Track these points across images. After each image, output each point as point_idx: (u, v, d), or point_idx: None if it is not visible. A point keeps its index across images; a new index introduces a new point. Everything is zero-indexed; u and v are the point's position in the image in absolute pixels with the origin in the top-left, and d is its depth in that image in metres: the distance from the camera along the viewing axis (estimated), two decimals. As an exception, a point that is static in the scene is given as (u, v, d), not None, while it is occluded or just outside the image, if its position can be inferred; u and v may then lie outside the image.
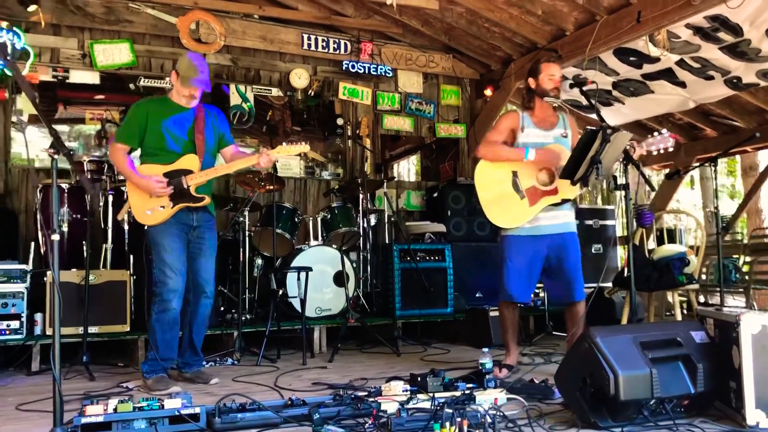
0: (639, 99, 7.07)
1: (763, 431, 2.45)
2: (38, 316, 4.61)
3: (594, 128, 3.30)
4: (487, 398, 3.00)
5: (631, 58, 6.28)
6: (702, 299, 6.78)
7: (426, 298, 5.60)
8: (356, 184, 5.91)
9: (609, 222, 7.67)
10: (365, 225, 6.09)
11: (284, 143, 3.92)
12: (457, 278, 6.24)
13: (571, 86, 3.80)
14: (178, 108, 3.94)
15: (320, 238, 5.73)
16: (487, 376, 3.22)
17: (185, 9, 6.47)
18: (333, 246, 5.49)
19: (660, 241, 5.71)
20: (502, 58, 7.34)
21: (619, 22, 5.78)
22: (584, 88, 3.78)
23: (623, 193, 3.32)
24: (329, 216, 5.77)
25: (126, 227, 5.17)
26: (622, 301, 5.31)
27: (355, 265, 5.66)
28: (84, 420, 2.56)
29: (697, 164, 6.24)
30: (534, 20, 6.43)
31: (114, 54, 6.26)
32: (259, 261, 5.75)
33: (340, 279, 5.44)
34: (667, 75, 6.43)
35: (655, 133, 3.62)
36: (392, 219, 5.96)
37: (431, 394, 2.97)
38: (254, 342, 4.91)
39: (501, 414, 2.75)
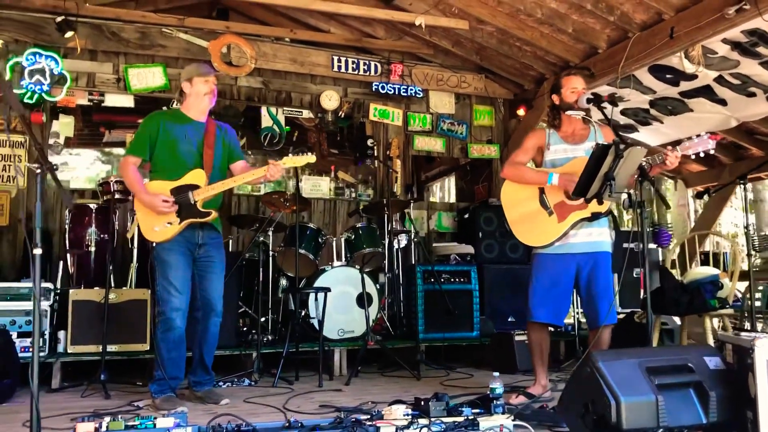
0: (678, 118, 6.84)
1: (781, 467, 2.26)
2: (61, 334, 4.68)
3: (605, 143, 3.17)
4: (492, 424, 2.87)
5: (667, 76, 6.09)
6: (747, 326, 6.45)
7: (451, 321, 5.48)
8: (382, 204, 5.85)
9: (650, 245, 7.41)
10: (395, 246, 6.03)
11: (290, 154, 3.91)
12: (489, 302, 6.10)
13: (588, 101, 3.66)
14: (190, 121, 3.96)
15: (344, 258, 5.67)
16: (495, 402, 3.08)
17: (217, 33, 6.59)
18: (356, 267, 5.42)
19: (705, 265, 5.48)
20: (534, 77, 7.23)
21: (652, 38, 5.64)
22: (601, 104, 3.62)
23: (638, 210, 3.15)
24: (353, 236, 5.72)
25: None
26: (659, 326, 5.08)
27: (378, 286, 5.58)
28: (74, 438, 2.55)
29: (725, 183, 5.95)
30: (566, 38, 6.32)
31: (148, 78, 6.40)
32: (283, 281, 5.74)
33: (363, 300, 5.37)
34: (706, 92, 6.21)
35: (694, 136, 3.46)
36: (414, 240, 5.86)
37: (432, 419, 2.86)
38: (275, 363, 4.86)
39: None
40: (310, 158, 3.89)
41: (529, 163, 4.07)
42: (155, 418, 2.71)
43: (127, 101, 6.44)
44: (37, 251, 2.11)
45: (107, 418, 2.67)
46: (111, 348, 4.57)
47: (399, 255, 6.16)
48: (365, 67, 7.12)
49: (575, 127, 3.88)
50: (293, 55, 6.89)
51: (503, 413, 3.05)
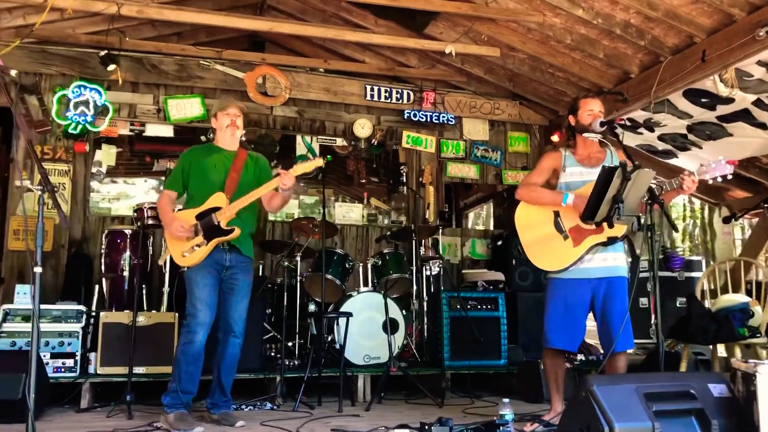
0: (718, 143, 6.66)
1: (784, 501, 2.16)
2: (92, 355, 4.82)
3: (611, 166, 3.13)
4: (496, 452, 2.83)
5: (703, 100, 5.96)
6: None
7: (477, 348, 5.42)
8: (410, 230, 5.87)
9: (695, 274, 7.20)
10: (427, 272, 6.02)
11: (299, 161, 4.00)
12: (524, 330, 6.02)
13: (602, 125, 3.62)
14: (221, 151, 4.17)
15: (370, 284, 5.69)
16: (501, 428, 3.03)
17: (253, 65, 6.79)
18: (381, 292, 5.44)
19: (749, 295, 5.29)
20: (569, 103, 7.08)
21: (684, 62, 5.55)
22: (614, 129, 3.56)
23: (647, 234, 3.09)
24: (380, 262, 5.75)
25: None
26: (690, 355, 4.91)
27: (405, 312, 5.57)
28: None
29: (749, 208, 5.74)
30: (598, 64, 6.28)
31: (186, 108, 6.62)
32: (311, 306, 5.78)
33: (390, 326, 5.36)
34: (745, 116, 6.04)
35: (711, 162, 3.39)
36: (439, 266, 5.84)
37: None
38: (306, 389, 4.87)
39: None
40: (319, 162, 4.00)
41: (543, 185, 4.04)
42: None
43: (166, 131, 6.66)
44: (38, 269, 2.21)
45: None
46: (139, 370, 4.69)
47: (430, 282, 6.13)
48: (398, 95, 7.20)
49: (591, 150, 3.84)
50: (327, 84, 7.03)
51: (509, 440, 3.00)
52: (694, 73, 5.47)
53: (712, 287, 4.97)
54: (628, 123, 6.82)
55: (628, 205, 3.11)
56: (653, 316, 3.55)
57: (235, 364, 4.09)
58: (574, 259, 3.61)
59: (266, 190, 4.05)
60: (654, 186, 3.17)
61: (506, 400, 3.31)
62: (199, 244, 3.94)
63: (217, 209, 3.97)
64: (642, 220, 3.14)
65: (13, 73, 5.85)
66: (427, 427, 3.00)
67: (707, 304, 4.68)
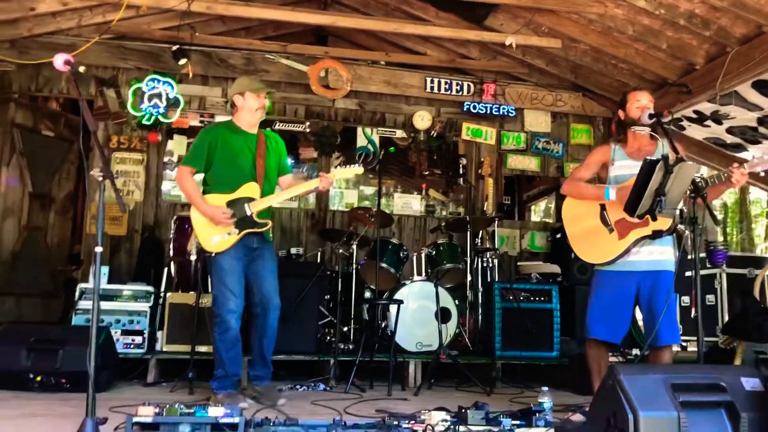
0: (791, 136, 6.45)
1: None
2: (159, 334, 5.13)
3: (653, 159, 3.12)
4: (529, 436, 2.90)
5: (774, 91, 5.78)
6: None
7: (529, 339, 5.44)
8: (464, 221, 5.94)
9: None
10: (483, 264, 6.08)
11: (339, 166, 4.12)
12: (580, 323, 5.97)
13: (650, 117, 3.58)
14: (243, 133, 4.16)
15: (424, 273, 5.80)
16: (537, 415, 3.10)
17: (316, 58, 6.97)
18: (434, 282, 5.53)
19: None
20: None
21: (752, 52, 5.40)
22: (663, 121, 3.51)
23: (690, 228, 3.06)
24: (434, 252, 5.84)
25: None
26: (749, 353, 4.80)
27: (458, 302, 5.65)
28: (135, 419, 2.84)
29: None
30: (662, 55, 6.16)
31: (252, 100, 6.86)
32: (368, 294, 5.94)
33: (443, 315, 5.46)
34: (819, 108, 5.83)
35: (764, 154, 3.32)
36: (492, 258, 5.87)
37: (469, 426, 2.93)
38: (361, 372, 4.98)
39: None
40: (358, 170, 4.09)
41: (592, 179, 4.03)
42: (209, 407, 2.96)
43: (234, 122, 6.93)
44: (98, 249, 2.43)
45: (168, 405, 2.95)
46: (201, 348, 4.94)
47: (487, 273, 6.18)
48: (458, 87, 7.25)
49: (641, 143, 3.79)
50: (387, 77, 7.16)
51: (545, 427, 3.06)
52: (762, 63, 5.31)
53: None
54: (694, 115, 6.66)
55: (671, 199, 3.09)
56: (693, 311, 3.49)
57: (275, 335, 4.19)
58: (620, 252, 3.59)
59: (303, 190, 4.14)
60: (698, 179, 3.14)
61: (545, 388, 3.36)
62: (230, 233, 3.99)
63: (250, 200, 4.04)
64: (685, 214, 3.12)
65: (81, 69, 6.22)
66: (463, 410, 3.09)
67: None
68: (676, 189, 3.10)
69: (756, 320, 4.03)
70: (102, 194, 2.46)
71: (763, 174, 3.34)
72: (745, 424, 2.34)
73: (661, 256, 3.60)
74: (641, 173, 3.16)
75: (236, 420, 2.91)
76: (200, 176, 4.19)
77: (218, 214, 3.95)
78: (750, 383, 2.45)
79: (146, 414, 2.87)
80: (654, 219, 3.25)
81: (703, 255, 6.89)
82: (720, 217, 21.90)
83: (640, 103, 3.75)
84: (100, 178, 2.43)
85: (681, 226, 3.35)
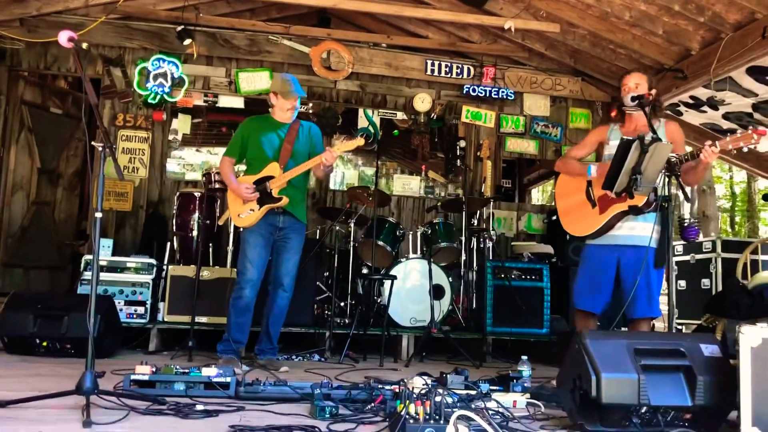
0: (786, 122, 6.52)
1: (758, 452, 2.29)
2: (161, 305, 5.31)
3: (629, 138, 3.24)
4: (506, 400, 3.05)
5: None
6: None
7: (520, 317, 5.59)
8: (460, 201, 6.07)
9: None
10: (480, 244, 6.21)
11: (342, 140, 4.32)
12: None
13: (632, 99, 3.70)
14: (276, 123, 4.53)
15: (419, 252, 5.95)
16: (515, 381, 3.25)
17: (319, 40, 7.09)
18: (431, 260, 5.67)
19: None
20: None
21: (745, 39, 5.48)
22: (644, 105, 3.63)
23: (665, 205, 3.19)
24: (430, 231, 5.98)
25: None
26: (730, 331, 4.93)
27: (451, 280, 5.80)
28: (133, 377, 3.02)
29: None
30: (659, 40, 6.25)
31: (255, 81, 7.02)
32: (365, 270, 6.09)
33: (437, 292, 5.61)
34: (812, 95, 5.91)
35: (739, 130, 3.45)
36: (485, 236, 6.00)
37: (448, 390, 3.08)
38: (356, 346, 5.19)
39: (504, 411, 2.80)
40: (360, 141, 4.29)
41: (588, 157, 4.19)
42: (203, 368, 3.13)
43: (237, 102, 7.09)
44: (98, 215, 2.58)
45: (163, 365, 3.13)
46: (201, 319, 5.13)
47: (482, 253, 6.31)
48: (458, 71, 7.35)
49: (638, 124, 3.90)
50: (388, 59, 7.27)
51: (521, 392, 3.21)
52: (754, 49, 5.39)
53: None
54: (690, 101, 6.75)
55: (647, 177, 3.23)
56: (665, 285, 3.61)
57: (283, 315, 4.46)
58: (599, 226, 3.77)
59: (312, 164, 4.41)
60: (674, 158, 3.26)
61: (525, 357, 3.52)
62: (253, 209, 4.34)
63: (270, 178, 4.35)
64: (659, 192, 3.25)
65: (84, 45, 6.40)
66: (444, 375, 3.25)
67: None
68: (651, 167, 3.23)
69: (734, 298, 4.16)
70: (102, 163, 2.60)
71: (735, 152, 3.45)
72: (701, 386, 2.48)
73: (642, 231, 3.73)
74: (618, 152, 3.29)
75: (228, 380, 3.08)
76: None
77: (242, 189, 4.32)
78: (709, 349, 2.59)
79: (143, 372, 3.05)
80: (631, 196, 3.38)
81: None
82: (728, 205, 21.97)
83: (627, 86, 3.89)
84: (100, 148, 2.58)
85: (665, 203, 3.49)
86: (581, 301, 3.88)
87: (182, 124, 7.05)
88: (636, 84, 3.89)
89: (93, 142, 2.58)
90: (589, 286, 3.86)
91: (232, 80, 7.00)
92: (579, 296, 3.90)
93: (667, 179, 3.26)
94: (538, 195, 12.31)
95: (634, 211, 3.57)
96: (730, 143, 3.35)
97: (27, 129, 6.89)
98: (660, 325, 5.64)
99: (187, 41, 6.66)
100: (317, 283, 5.77)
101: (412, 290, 5.66)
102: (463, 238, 6.02)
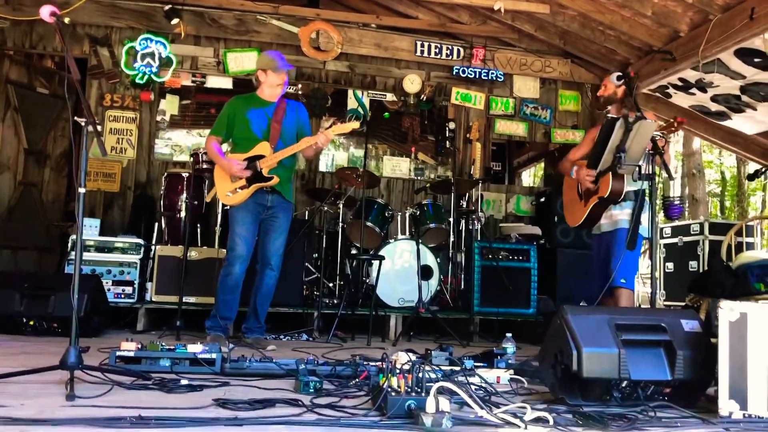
0: (773, 104, 6.54)
1: (735, 422, 2.32)
2: (149, 285, 5.31)
3: (613, 117, 3.26)
4: (489, 376, 3.08)
5: (756, 60, 5.86)
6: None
7: (507, 297, 5.62)
8: (449, 183, 6.07)
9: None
10: (469, 226, 6.23)
11: (338, 123, 4.31)
12: (562, 285, 6.17)
13: (618, 78, 3.73)
14: (262, 102, 4.50)
15: (408, 233, 5.96)
16: (498, 357, 3.28)
17: (308, 20, 7.04)
18: (420, 241, 5.68)
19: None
20: (620, 62, 7.14)
21: (732, 20, 5.48)
22: (629, 83, 3.69)
23: (647, 183, 3.22)
24: (418, 212, 5.99)
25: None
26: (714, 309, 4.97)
27: (440, 261, 5.82)
28: (118, 353, 3.02)
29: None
30: (648, 22, 6.24)
31: (244, 61, 6.98)
32: (354, 251, 6.10)
33: (425, 273, 5.63)
34: (800, 77, 5.92)
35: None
36: (473, 218, 6.02)
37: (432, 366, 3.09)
38: (344, 326, 5.21)
39: (486, 386, 2.83)
40: (355, 124, 4.29)
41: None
42: (188, 345, 3.14)
43: (226, 83, 7.05)
44: (81, 190, 2.56)
45: (149, 342, 3.13)
46: (189, 299, 5.13)
47: (471, 234, 6.32)
48: (447, 52, 7.33)
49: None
50: (378, 40, 7.24)
51: (505, 368, 3.24)
52: (741, 31, 5.40)
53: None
54: (679, 83, 6.76)
55: (631, 155, 3.25)
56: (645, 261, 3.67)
57: (270, 295, 4.47)
58: (584, 217, 4.06)
59: (305, 145, 4.39)
60: (658, 137, 3.28)
61: (509, 334, 3.55)
62: (242, 187, 4.33)
63: (261, 157, 4.34)
64: (642, 170, 3.27)
65: (66, 20, 6.33)
66: (428, 351, 3.28)
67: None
68: (635, 146, 3.25)
69: (718, 277, 4.20)
70: (86, 138, 2.59)
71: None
72: (680, 361, 2.51)
73: (618, 217, 4.01)
74: (602, 131, 3.32)
75: (213, 356, 3.09)
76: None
77: (233, 165, 4.29)
78: (689, 325, 2.61)
79: (129, 348, 3.05)
80: (615, 175, 3.41)
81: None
82: (718, 190, 22.06)
83: (605, 85, 4.06)
84: (83, 123, 2.57)
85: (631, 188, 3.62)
86: (589, 286, 4.24)
87: (170, 105, 7.00)
88: (605, 82, 4.07)
89: (76, 117, 2.56)
90: (592, 272, 4.23)
91: (221, 60, 6.96)
92: (588, 281, 4.28)
93: (650, 157, 3.28)
94: (529, 179, 12.32)
95: (604, 201, 3.75)
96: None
97: (13, 109, 6.84)
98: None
99: (175, 20, 6.61)
100: (306, 263, 5.78)
101: (400, 271, 5.68)
102: (451, 220, 6.03)
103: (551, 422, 2.21)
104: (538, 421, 2.22)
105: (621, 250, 3.75)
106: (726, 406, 2.36)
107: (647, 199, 3.52)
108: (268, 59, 4.48)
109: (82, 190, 2.58)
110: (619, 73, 3.73)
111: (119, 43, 6.75)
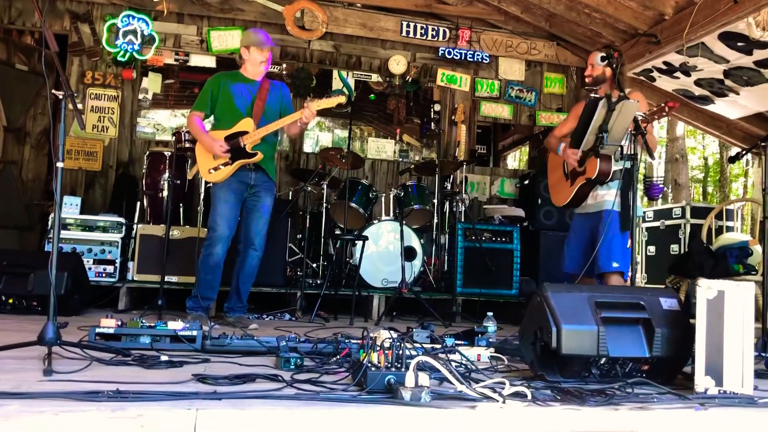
0: (756, 89, 6.58)
1: (711, 398, 2.34)
2: (130, 264, 5.27)
3: (596, 96, 3.26)
4: (470, 354, 3.09)
5: (739, 44, 5.88)
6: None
7: (489, 278, 5.65)
8: (433, 164, 6.07)
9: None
10: (455, 208, 6.23)
11: (324, 97, 4.29)
12: (544, 266, 6.20)
13: (602, 59, 3.72)
14: (246, 79, 4.47)
15: (392, 214, 5.96)
16: (479, 336, 3.30)
17: (293, -2, 6.98)
18: (403, 222, 5.69)
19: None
20: (605, 45, 7.12)
21: (717, 3, 5.50)
22: (612, 63, 3.68)
23: (629, 163, 3.23)
24: (402, 194, 5.98)
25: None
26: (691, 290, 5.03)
27: (423, 242, 5.83)
28: (98, 330, 3.00)
29: (749, 148, 5.63)
30: (633, 4, 6.24)
31: (227, 40, 6.91)
32: (337, 232, 6.09)
33: (408, 254, 5.64)
34: (783, 61, 5.95)
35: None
36: (457, 199, 6.02)
37: (414, 344, 3.10)
38: (327, 306, 5.24)
39: (467, 363, 2.84)
40: (340, 99, 4.28)
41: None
42: (169, 322, 3.12)
43: (209, 61, 6.97)
44: (60, 164, 2.53)
45: (129, 319, 3.11)
46: (171, 279, 5.11)
47: (455, 216, 6.33)
48: (433, 33, 7.30)
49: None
50: (363, 20, 7.18)
51: (486, 347, 3.26)
52: (726, 14, 5.41)
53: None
54: (663, 66, 6.77)
55: (613, 135, 3.26)
56: (630, 243, 3.68)
57: (253, 275, 4.46)
58: (570, 197, 4.02)
59: (289, 120, 4.37)
60: (640, 117, 3.28)
61: (490, 313, 3.57)
62: (225, 163, 4.29)
63: (244, 133, 4.31)
64: (625, 150, 3.28)
65: None
66: (409, 329, 3.28)
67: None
68: (618, 126, 3.25)
69: (698, 259, 4.24)
70: (64, 111, 2.55)
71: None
72: (658, 338, 2.54)
73: (604, 198, 3.96)
74: (585, 110, 3.32)
75: (194, 333, 3.08)
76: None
77: (215, 145, 4.25)
78: (667, 303, 2.64)
79: (108, 325, 3.03)
80: (597, 155, 3.42)
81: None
82: (701, 176, 22.25)
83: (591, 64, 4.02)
84: (60, 96, 2.53)
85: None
86: (567, 264, 4.15)
87: (152, 83, 6.92)
88: (590, 63, 4.02)
89: (53, 90, 2.52)
90: (573, 251, 4.14)
91: (204, 39, 6.88)
92: (565, 260, 4.18)
93: (633, 137, 3.28)
94: (514, 163, 12.35)
95: (591, 182, 3.73)
96: None
97: (-9, 85, 6.74)
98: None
99: (157, -3, 6.52)
100: (289, 244, 5.77)
101: (384, 252, 5.69)
102: (436, 201, 6.04)
103: (529, 397, 2.22)
104: (516, 395, 2.23)
105: (611, 232, 3.73)
106: (702, 382, 2.39)
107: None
108: (252, 36, 4.45)
109: (60, 164, 2.54)
110: (603, 54, 3.72)
111: (101, 20, 6.65)
